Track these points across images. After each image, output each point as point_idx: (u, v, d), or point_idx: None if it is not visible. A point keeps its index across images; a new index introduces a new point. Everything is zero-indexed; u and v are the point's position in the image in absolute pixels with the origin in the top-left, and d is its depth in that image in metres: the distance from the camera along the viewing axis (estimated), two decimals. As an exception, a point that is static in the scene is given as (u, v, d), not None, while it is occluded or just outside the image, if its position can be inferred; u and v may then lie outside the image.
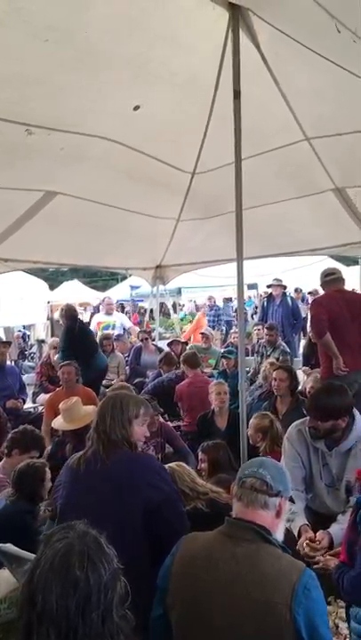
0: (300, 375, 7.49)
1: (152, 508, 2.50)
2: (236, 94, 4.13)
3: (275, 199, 6.27)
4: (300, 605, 1.85)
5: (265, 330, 8.55)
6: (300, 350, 10.29)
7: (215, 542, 2.08)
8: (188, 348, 8.93)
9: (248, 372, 7.14)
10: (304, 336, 10.28)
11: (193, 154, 5.55)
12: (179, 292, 17.68)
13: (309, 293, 16.25)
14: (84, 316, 20.29)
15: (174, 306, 14.58)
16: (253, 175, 4.86)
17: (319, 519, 3.37)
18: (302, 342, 10.40)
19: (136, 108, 4.67)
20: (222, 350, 9.16)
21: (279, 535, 2.12)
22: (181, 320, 16.49)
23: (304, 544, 3.02)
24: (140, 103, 4.63)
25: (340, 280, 5.86)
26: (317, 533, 3.14)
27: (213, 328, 13.62)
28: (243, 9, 3.93)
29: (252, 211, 5.45)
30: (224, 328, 16.39)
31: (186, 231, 7.19)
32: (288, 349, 8.33)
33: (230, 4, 3.90)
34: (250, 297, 21.30)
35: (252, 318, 15.85)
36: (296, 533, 3.08)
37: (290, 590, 1.87)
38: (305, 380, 6.91)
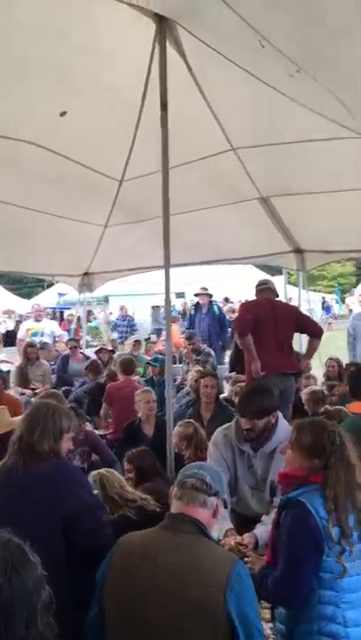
0: (224, 382, 7.65)
1: (73, 518, 2.50)
2: (163, 106, 4.20)
3: (201, 207, 6.37)
4: (232, 591, 1.93)
5: (185, 340, 8.67)
6: (227, 358, 10.48)
7: (155, 536, 2.16)
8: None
9: (175, 381, 7.17)
10: (230, 342, 10.45)
11: (121, 161, 5.57)
12: (106, 299, 17.59)
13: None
14: (7, 324, 19.82)
15: (89, 313, 14.41)
16: (181, 183, 4.95)
17: (244, 521, 3.44)
18: (228, 351, 10.58)
19: (63, 113, 4.65)
20: (149, 358, 9.19)
21: (214, 534, 2.21)
22: (96, 328, 16.38)
23: (231, 546, 3.07)
24: (66, 109, 4.62)
25: (271, 290, 6.09)
26: (244, 536, 3.20)
27: (126, 339, 13.48)
28: (170, 21, 4.00)
29: (180, 218, 5.51)
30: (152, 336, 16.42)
31: (113, 238, 7.18)
32: (212, 352, 8.46)
33: (157, 16, 3.96)
34: (173, 305, 21.42)
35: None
36: (222, 537, 3.12)
37: (224, 576, 1.96)
38: (231, 386, 7.03)
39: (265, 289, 6.04)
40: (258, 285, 6.15)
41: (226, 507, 2.49)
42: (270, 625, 2.62)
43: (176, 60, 4.30)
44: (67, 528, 2.48)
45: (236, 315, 7.57)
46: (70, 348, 9.08)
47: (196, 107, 4.84)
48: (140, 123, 4.98)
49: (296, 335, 6.10)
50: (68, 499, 2.51)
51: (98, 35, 3.97)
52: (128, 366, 6.82)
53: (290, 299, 9.33)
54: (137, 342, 10.06)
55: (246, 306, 5.94)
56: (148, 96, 4.63)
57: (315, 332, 5.85)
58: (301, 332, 6.11)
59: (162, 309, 16.81)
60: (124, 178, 5.85)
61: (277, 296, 6.26)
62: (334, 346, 10.42)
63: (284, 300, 10.79)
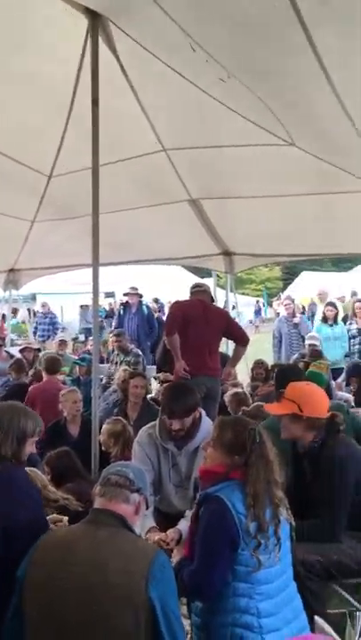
0: (153, 381, 7.68)
1: (9, 535, 2.38)
2: (95, 102, 4.17)
3: (132, 206, 6.36)
4: (154, 579, 1.97)
5: (113, 337, 8.61)
6: (156, 357, 10.51)
7: (77, 530, 2.17)
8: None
9: (102, 380, 7.12)
10: (159, 343, 10.49)
11: (50, 156, 5.47)
12: (33, 297, 17.22)
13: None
14: None
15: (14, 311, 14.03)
16: (111, 181, 4.93)
17: (167, 519, 3.46)
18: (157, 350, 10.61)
19: (-9, 104, 4.53)
20: (76, 358, 9.07)
21: (137, 530, 2.23)
22: (22, 326, 16.01)
23: (154, 539, 3.09)
24: (-4, 101, 4.50)
25: (206, 293, 6.11)
26: (167, 532, 3.22)
27: (48, 337, 13.26)
28: (103, 18, 3.98)
29: (110, 217, 5.49)
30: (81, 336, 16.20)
31: (41, 234, 7.04)
32: (140, 353, 8.46)
33: (90, 11, 3.92)
34: (102, 305, 21.26)
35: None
36: (144, 535, 3.13)
37: (146, 565, 1.99)
38: (159, 386, 7.05)
39: (200, 291, 6.04)
40: (193, 287, 6.14)
41: (148, 506, 2.51)
42: (188, 621, 2.65)
43: (109, 56, 4.28)
44: (3, 539, 2.39)
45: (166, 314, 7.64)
46: (-6, 348, 8.85)
47: (127, 105, 4.83)
48: (70, 118, 4.91)
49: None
50: (9, 513, 2.42)
51: (30, 27, 3.90)
52: (52, 365, 6.70)
53: (225, 302, 9.40)
54: (62, 342, 9.90)
55: (178, 305, 5.96)
56: (80, 91, 4.58)
57: (241, 339, 5.89)
58: (228, 338, 6.17)
59: (90, 308, 16.64)
60: (54, 173, 5.75)
61: (213, 300, 6.32)
62: (261, 348, 10.66)
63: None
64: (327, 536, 3.09)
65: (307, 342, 8.35)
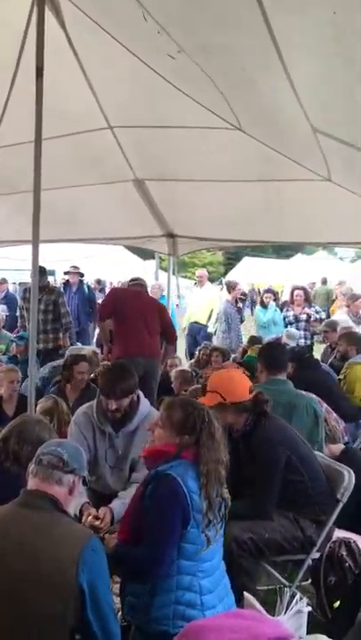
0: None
1: None
2: (39, 72, 4.04)
3: (74, 183, 6.23)
4: (85, 564, 1.97)
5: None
6: (95, 338, 10.42)
7: (8, 511, 2.13)
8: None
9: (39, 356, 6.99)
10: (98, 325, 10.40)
11: (-9, 127, 5.27)
12: (-33, 272, 16.66)
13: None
14: None
15: None
16: (54, 156, 4.81)
17: (101, 498, 3.45)
18: (97, 331, 10.52)
19: None
20: (14, 336, 8.87)
21: (71, 511, 2.24)
22: None
23: (87, 520, 3.08)
24: None
25: (142, 286, 6.34)
26: (100, 509, 3.22)
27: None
28: (49, -16, 3.85)
29: (51, 193, 5.36)
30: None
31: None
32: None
33: (36, -23, 3.79)
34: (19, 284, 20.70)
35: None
36: (77, 511, 3.12)
37: (78, 549, 1.99)
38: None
39: (136, 284, 6.27)
40: (130, 281, 6.39)
41: (86, 484, 2.50)
42: (118, 600, 2.65)
43: (55, 26, 4.15)
44: None
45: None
46: None
47: (73, 79, 4.71)
48: (12, 88, 4.74)
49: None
50: None
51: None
52: None
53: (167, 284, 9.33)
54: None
55: (113, 291, 6.08)
56: (23, 62, 4.42)
57: (170, 338, 6.11)
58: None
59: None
60: (-6, 145, 5.55)
61: (146, 292, 6.55)
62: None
63: (160, 284, 11.06)
64: (259, 514, 3.17)
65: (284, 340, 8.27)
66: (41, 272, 6.83)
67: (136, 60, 4.23)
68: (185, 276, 28.93)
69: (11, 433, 2.83)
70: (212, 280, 32.19)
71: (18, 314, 8.37)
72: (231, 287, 10.47)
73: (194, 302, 10.40)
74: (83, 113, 5.15)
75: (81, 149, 5.64)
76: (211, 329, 10.17)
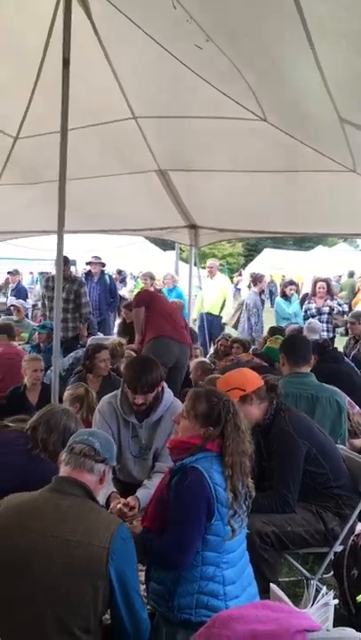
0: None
1: None
2: (65, 62, 4.05)
3: (99, 174, 6.23)
4: (115, 552, 2.01)
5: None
6: (115, 329, 10.47)
7: (40, 497, 2.17)
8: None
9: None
10: (119, 315, 10.44)
11: (17, 117, 5.29)
12: (-6, 261, 16.82)
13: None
14: None
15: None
16: (79, 147, 4.83)
17: (125, 488, 3.48)
18: (117, 321, 10.58)
19: None
20: (36, 324, 8.95)
21: (100, 500, 2.26)
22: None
23: (116, 507, 3.12)
24: None
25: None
26: (128, 499, 3.25)
27: None
28: (77, -26, 3.85)
29: (76, 183, 5.38)
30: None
31: (4, 197, 6.86)
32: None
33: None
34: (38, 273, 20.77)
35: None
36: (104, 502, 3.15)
37: (109, 536, 2.03)
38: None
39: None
40: None
41: (114, 473, 2.53)
42: (143, 586, 2.68)
43: (82, 17, 4.15)
44: None
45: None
46: None
47: (98, 69, 4.71)
48: (39, 78, 4.76)
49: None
50: None
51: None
52: (7, 331, 6.69)
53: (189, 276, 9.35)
54: (16, 308, 9.70)
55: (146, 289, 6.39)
56: (50, 50, 4.43)
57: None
58: None
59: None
60: (20, 135, 5.57)
61: None
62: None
63: (173, 274, 11.10)
64: (280, 507, 3.18)
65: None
66: (64, 261, 6.93)
67: (162, 51, 4.21)
68: (204, 267, 28.93)
69: (39, 422, 2.87)
70: (232, 271, 32.15)
71: (40, 303, 8.43)
72: (257, 279, 10.59)
73: (206, 293, 10.41)
74: (107, 103, 5.15)
75: (105, 140, 5.65)
76: (225, 319, 10.18)
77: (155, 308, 5.92)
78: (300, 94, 3.75)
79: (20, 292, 13.35)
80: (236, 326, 10.41)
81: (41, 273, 18.33)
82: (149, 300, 6.07)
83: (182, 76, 4.43)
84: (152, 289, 10.40)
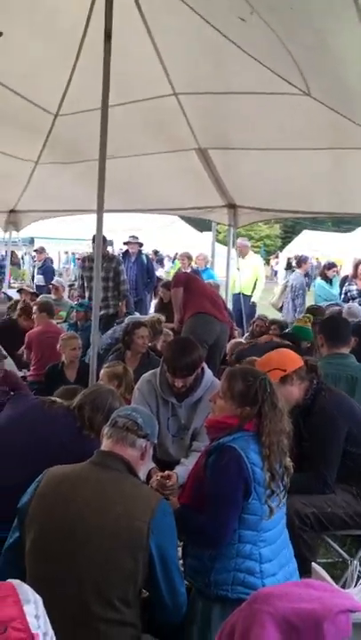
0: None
1: None
2: (107, 35, 4.00)
3: (138, 152, 6.19)
4: (156, 526, 2.02)
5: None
6: (152, 309, 10.48)
7: (83, 469, 2.19)
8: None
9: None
10: (155, 295, 10.44)
11: (57, 94, 5.29)
12: (31, 241, 17.02)
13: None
14: None
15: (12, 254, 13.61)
16: (119, 124, 4.79)
17: (162, 465, 3.48)
18: (154, 301, 10.58)
19: (-1, 34, 4.34)
20: (74, 303, 9.02)
21: (141, 475, 2.27)
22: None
23: (155, 481, 3.14)
24: (2, 30, 4.31)
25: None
26: (165, 472, 3.25)
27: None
28: None
29: (115, 161, 5.36)
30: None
31: (44, 176, 6.88)
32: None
33: None
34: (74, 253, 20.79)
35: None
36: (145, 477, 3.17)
37: (150, 511, 2.04)
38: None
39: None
40: None
41: (154, 450, 2.53)
42: (180, 562, 2.69)
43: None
44: None
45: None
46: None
47: (140, 44, 4.66)
48: (80, 54, 4.73)
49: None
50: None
51: None
52: (47, 309, 6.77)
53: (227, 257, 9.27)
54: (56, 287, 9.78)
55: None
56: (92, 25, 4.40)
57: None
58: None
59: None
60: (60, 112, 5.57)
61: None
62: (260, 305, 10.66)
63: (205, 255, 11.06)
64: (319, 488, 3.15)
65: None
66: (103, 241, 6.93)
67: (204, 24, 4.13)
68: (241, 249, 28.72)
69: (85, 401, 2.89)
70: (268, 253, 31.78)
71: (77, 283, 8.48)
72: (302, 261, 10.72)
73: (238, 273, 10.31)
74: (148, 79, 5.10)
75: (145, 117, 5.60)
76: (255, 299, 10.09)
77: (193, 288, 5.90)
78: (347, 69, 3.64)
79: (47, 272, 13.20)
80: (280, 308, 10.34)
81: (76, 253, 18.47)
82: (187, 280, 6.05)
83: (225, 50, 4.36)
84: (189, 269, 10.37)
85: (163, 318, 6.52)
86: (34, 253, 16.24)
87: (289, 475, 2.42)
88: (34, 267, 14.17)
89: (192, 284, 5.97)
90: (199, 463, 2.50)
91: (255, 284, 10.11)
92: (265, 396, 2.41)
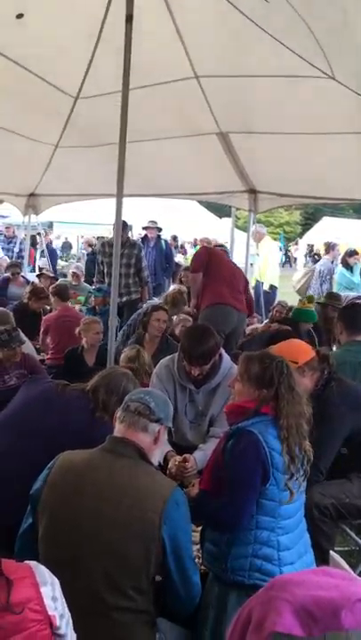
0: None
1: None
2: (129, 18, 3.96)
3: (158, 136, 6.14)
4: (168, 516, 2.00)
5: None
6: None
7: (94, 456, 2.16)
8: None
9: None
10: (174, 281, 10.43)
11: (78, 76, 5.26)
12: (50, 225, 17.11)
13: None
14: None
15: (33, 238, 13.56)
16: (139, 107, 4.74)
17: (179, 450, 3.49)
18: (173, 286, 10.56)
19: (19, 16, 4.31)
20: (93, 288, 9.04)
21: (155, 461, 2.24)
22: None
23: (173, 466, 3.14)
24: (23, 11, 4.28)
25: (226, 253, 6.64)
26: (185, 456, 3.27)
27: None
28: None
29: (135, 146, 5.31)
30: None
31: (64, 159, 6.87)
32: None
33: None
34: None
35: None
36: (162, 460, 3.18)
37: (162, 502, 2.01)
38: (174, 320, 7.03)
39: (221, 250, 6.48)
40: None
41: (170, 434, 2.52)
42: (197, 547, 2.69)
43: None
44: None
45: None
46: (12, 274, 8.84)
47: (162, 27, 4.60)
48: (101, 35, 4.69)
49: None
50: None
51: None
52: (63, 293, 6.82)
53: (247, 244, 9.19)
54: (75, 274, 9.80)
55: (206, 247, 6.07)
56: (113, 8, 4.35)
57: (248, 309, 6.03)
58: None
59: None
60: (80, 95, 5.54)
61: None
62: (280, 292, 10.60)
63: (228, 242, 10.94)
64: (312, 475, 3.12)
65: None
66: (123, 226, 6.91)
67: (227, 5, 4.06)
68: (261, 235, 28.51)
69: (100, 383, 2.88)
70: (288, 240, 31.50)
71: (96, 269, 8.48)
72: (331, 247, 10.59)
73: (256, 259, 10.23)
74: (169, 62, 5.04)
75: (166, 100, 5.54)
76: (266, 285, 10.03)
77: (214, 272, 5.74)
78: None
79: (52, 255, 13.00)
80: (301, 292, 10.26)
81: (98, 238, 18.45)
82: (208, 261, 5.84)
83: (247, 33, 4.28)
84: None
85: (185, 289, 6.49)
86: (52, 238, 16.21)
87: (309, 460, 2.41)
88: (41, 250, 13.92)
89: (212, 268, 5.79)
90: (218, 449, 2.49)
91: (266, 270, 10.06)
92: (281, 378, 2.41)
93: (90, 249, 13.00)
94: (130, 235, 11.17)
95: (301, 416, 2.38)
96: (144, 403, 2.21)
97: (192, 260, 6.49)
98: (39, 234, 13.40)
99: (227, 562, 2.33)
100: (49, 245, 13.55)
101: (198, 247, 10.24)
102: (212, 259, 5.87)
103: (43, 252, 13.17)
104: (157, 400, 2.27)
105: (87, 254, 12.37)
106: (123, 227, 6.41)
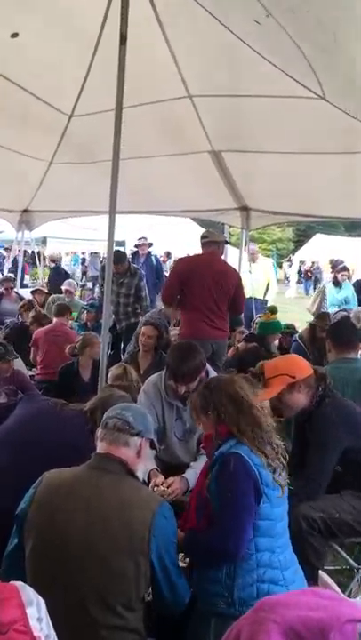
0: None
1: None
2: (123, 39, 4.00)
3: (151, 154, 6.19)
4: (156, 530, 2.00)
5: None
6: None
7: (80, 473, 2.16)
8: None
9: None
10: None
11: (72, 94, 5.31)
12: (44, 241, 17.11)
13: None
14: None
15: (34, 256, 13.70)
16: (132, 126, 4.76)
17: (169, 468, 3.48)
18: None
19: (14, 35, 4.36)
20: (85, 303, 9.06)
21: (140, 474, 2.23)
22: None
23: (156, 488, 3.12)
24: (18, 31, 4.33)
25: (216, 243, 5.57)
26: (175, 479, 3.21)
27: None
28: None
29: (127, 163, 5.35)
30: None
31: (58, 176, 6.91)
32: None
33: None
34: (75, 253, 21.19)
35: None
36: (146, 477, 3.14)
37: (150, 515, 2.02)
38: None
39: (208, 242, 5.52)
40: (202, 238, 5.70)
41: (153, 447, 2.50)
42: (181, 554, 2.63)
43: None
44: None
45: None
46: (6, 289, 8.83)
47: (155, 47, 4.66)
48: (95, 55, 4.74)
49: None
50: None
51: None
52: (59, 308, 6.81)
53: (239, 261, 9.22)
54: (68, 291, 9.79)
55: (179, 265, 5.64)
56: (107, 28, 4.40)
57: (238, 310, 5.71)
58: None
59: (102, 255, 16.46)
60: (75, 113, 5.58)
61: (222, 251, 5.93)
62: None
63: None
64: (310, 493, 3.12)
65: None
66: (121, 256, 6.92)
67: (220, 27, 4.12)
68: (253, 252, 28.64)
69: (97, 405, 2.90)
70: (281, 256, 31.65)
71: (90, 283, 8.50)
72: (335, 264, 10.78)
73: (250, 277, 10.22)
74: (163, 81, 5.09)
75: (158, 119, 5.59)
76: (270, 303, 10.07)
77: (189, 299, 5.20)
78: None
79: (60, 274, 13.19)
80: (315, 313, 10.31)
81: (93, 254, 18.49)
82: (180, 289, 5.24)
83: (240, 54, 4.34)
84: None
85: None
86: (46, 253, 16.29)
87: (285, 454, 2.42)
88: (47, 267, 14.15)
89: (186, 297, 5.24)
90: (200, 483, 2.48)
91: (267, 286, 10.10)
92: (213, 398, 2.46)
93: (53, 264, 13.55)
94: (122, 249, 11.23)
95: (254, 424, 2.37)
96: (122, 418, 2.22)
97: (162, 290, 5.94)
98: (7, 249, 13.57)
99: (233, 595, 2.24)
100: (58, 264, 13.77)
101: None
102: (185, 282, 5.21)
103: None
104: (135, 414, 2.27)
105: (50, 268, 13.05)
106: (122, 257, 6.50)
